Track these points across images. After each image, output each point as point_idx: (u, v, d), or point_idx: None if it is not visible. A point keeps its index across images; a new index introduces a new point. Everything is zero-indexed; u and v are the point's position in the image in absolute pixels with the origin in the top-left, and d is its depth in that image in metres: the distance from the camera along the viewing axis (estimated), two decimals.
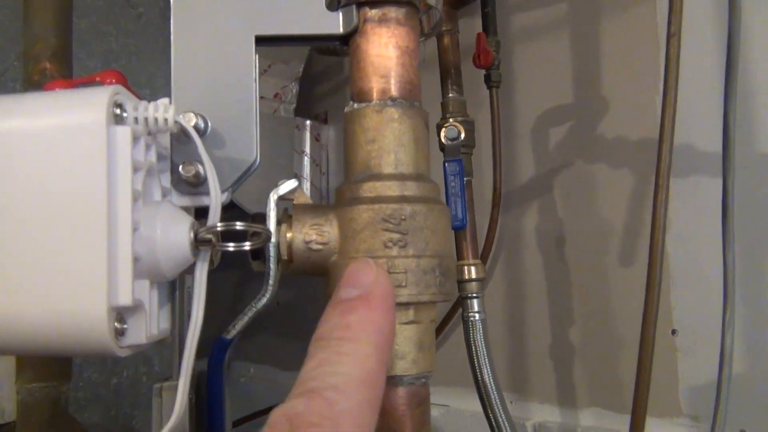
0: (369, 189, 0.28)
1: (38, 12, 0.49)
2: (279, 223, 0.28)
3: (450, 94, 0.81)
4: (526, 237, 0.91)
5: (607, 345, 0.83)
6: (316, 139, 1.26)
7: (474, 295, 0.77)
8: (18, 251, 0.23)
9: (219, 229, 0.26)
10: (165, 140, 0.28)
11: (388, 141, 0.28)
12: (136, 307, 0.24)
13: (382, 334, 0.21)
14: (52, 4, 0.49)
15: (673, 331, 0.76)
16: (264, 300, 0.28)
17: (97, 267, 0.23)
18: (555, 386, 0.87)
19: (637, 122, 0.80)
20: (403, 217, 0.27)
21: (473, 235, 0.79)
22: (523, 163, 0.91)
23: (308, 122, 1.25)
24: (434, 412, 1.00)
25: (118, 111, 0.24)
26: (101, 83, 0.38)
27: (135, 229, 0.24)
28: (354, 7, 0.29)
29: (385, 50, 0.29)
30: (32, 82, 0.47)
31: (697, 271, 0.72)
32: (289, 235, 0.28)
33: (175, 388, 0.25)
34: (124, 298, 0.23)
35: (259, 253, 0.28)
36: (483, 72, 0.85)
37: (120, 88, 0.25)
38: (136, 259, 0.24)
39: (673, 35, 0.32)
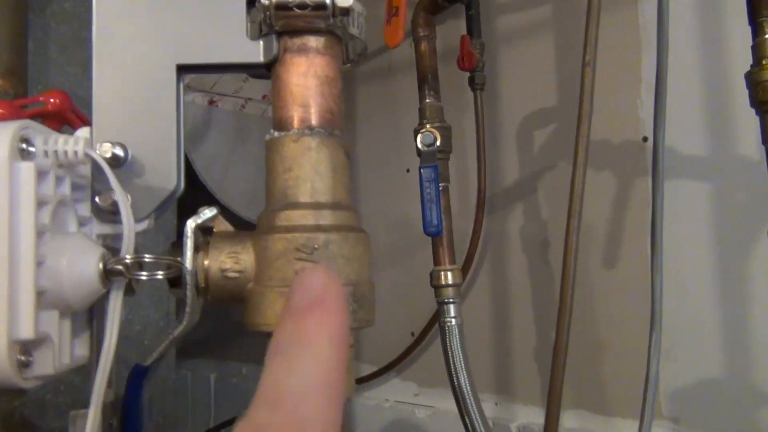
0: (284, 218, 0.28)
1: None
2: (197, 250, 0.29)
3: (427, 100, 0.81)
4: (511, 239, 0.91)
5: (590, 347, 0.84)
6: None
7: (450, 300, 0.77)
8: None
9: (128, 261, 0.26)
10: (85, 170, 0.29)
11: (305, 170, 0.29)
12: (41, 340, 0.25)
13: (338, 337, 0.20)
14: (3, 19, 0.49)
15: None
16: (181, 327, 0.28)
17: None
18: (539, 388, 0.88)
19: (620, 125, 0.80)
20: (315, 246, 0.28)
21: (450, 240, 0.79)
22: (508, 166, 0.92)
23: None
24: (420, 414, 1.01)
25: (24, 146, 0.25)
26: (43, 103, 0.38)
27: (40, 263, 0.25)
28: (274, 36, 0.30)
29: (304, 80, 0.29)
30: None
31: (676, 274, 0.72)
32: (206, 262, 0.29)
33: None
34: (26, 332, 0.23)
35: (177, 281, 0.29)
36: (467, 75, 0.86)
37: (28, 122, 0.25)
38: (41, 292, 0.24)
39: (587, 64, 0.32)
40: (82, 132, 0.28)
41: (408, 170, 1.01)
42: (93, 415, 0.26)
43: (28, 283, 0.24)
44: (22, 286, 0.24)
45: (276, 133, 0.30)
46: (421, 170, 0.78)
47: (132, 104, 0.30)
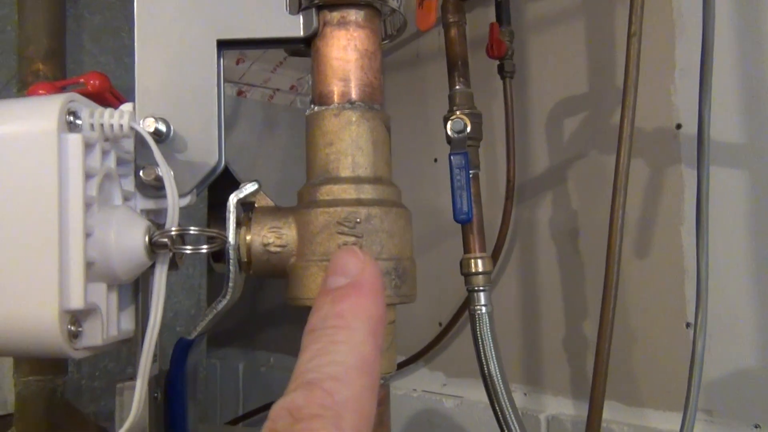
0: (326, 192, 0.28)
1: (30, 13, 0.50)
2: (239, 225, 0.29)
3: (457, 86, 0.80)
4: (540, 229, 0.90)
5: (621, 338, 0.82)
6: None
7: (481, 288, 0.77)
8: None
9: (173, 233, 0.26)
10: (128, 145, 0.29)
11: (346, 144, 0.29)
12: (90, 311, 0.25)
13: (374, 319, 0.20)
14: (43, 5, 0.49)
15: (687, 325, 0.76)
16: (224, 302, 0.29)
17: (49, 272, 0.24)
18: (569, 379, 0.87)
19: (652, 112, 0.79)
20: (357, 220, 0.27)
21: (480, 228, 0.78)
22: (538, 155, 0.91)
23: None
24: (448, 404, 1.00)
25: (71, 119, 0.25)
26: (85, 84, 0.39)
27: (89, 234, 0.25)
28: (314, 10, 0.29)
29: (344, 53, 0.29)
30: (26, 83, 0.48)
31: (711, 262, 0.71)
32: (248, 237, 0.29)
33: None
34: (76, 302, 0.24)
35: (220, 255, 0.29)
36: (496, 62, 0.85)
37: (75, 95, 0.26)
38: (90, 264, 0.25)
39: (633, 35, 0.31)
40: (126, 107, 0.28)
41: (436, 160, 1.01)
42: (140, 387, 0.26)
43: (77, 254, 0.24)
44: (72, 257, 0.24)
45: (316, 108, 0.30)
46: (451, 157, 0.77)
47: (173, 80, 0.30)
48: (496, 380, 0.76)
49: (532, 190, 0.92)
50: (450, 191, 0.77)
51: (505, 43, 0.86)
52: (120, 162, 0.28)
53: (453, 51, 0.82)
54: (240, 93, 1.10)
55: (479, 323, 0.77)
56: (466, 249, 0.76)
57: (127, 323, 0.28)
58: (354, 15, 0.29)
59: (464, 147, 0.77)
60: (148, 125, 0.28)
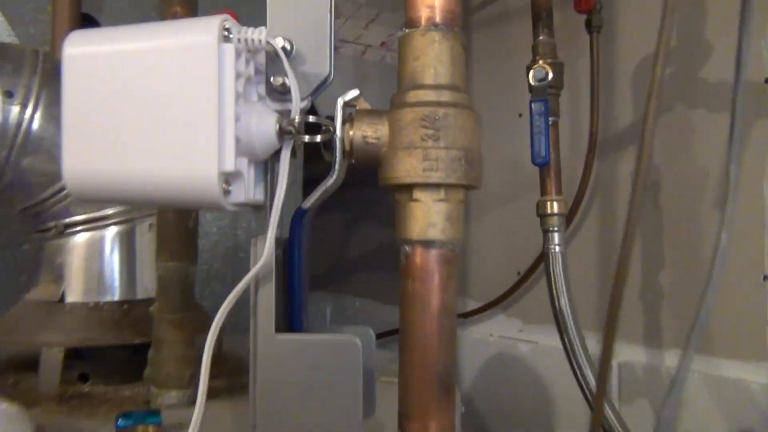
0: (413, 96, 0.36)
1: None
2: (344, 123, 0.37)
3: (540, 37, 0.84)
4: (621, 182, 0.92)
5: (696, 289, 0.85)
6: None
7: (555, 228, 0.82)
8: (158, 134, 0.34)
9: (297, 120, 0.35)
10: (262, 58, 0.37)
11: (430, 58, 0.36)
12: (237, 175, 0.34)
13: None
14: None
15: (765, 277, 0.78)
16: (331, 181, 0.37)
17: (210, 144, 0.33)
18: (642, 327, 0.90)
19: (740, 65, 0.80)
20: (436, 117, 0.35)
21: (557, 172, 0.83)
22: (622, 109, 0.93)
23: None
24: (523, 348, 1.06)
25: (225, 33, 0.34)
26: None
27: (237, 119, 0.34)
28: None
29: None
30: None
31: None
32: (351, 132, 0.37)
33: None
34: (229, 166, 0.33)
35: (328, 145, 0.37)
36: (584, 17, 0.86)
37: (228, 16, 0.34)
38: (237, 141, 0.34)
39: None
40: (262, 29, 0.37)
41: (520, 115, 1.04)
42: (270, 236, 0.35)
43: (230, 132, 0.33)
44: (227, 133, 0.33)
45: (407, 30, 0.37)
46: (532, 104, 0.82)
47: (296, 9, 0.38)
48: (566, 314, 0.82)
49: (616, 144, 0.94)
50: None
51: None
52: (256, 72, 0.37)
53: (538, 3, 0.86)
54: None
55: (552, 261, 0.82)
56: (543, 192, 0.81)
57: (259, 194, 0.37)
58: None
59: (545, 95, 0.82)
60: (278, 42, 0.36)
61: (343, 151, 0.37)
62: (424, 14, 0.37)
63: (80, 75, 0.34)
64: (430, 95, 0.36)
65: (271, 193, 0.37)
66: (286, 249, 0.38)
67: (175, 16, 0.59)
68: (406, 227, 0.37)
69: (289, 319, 0.38)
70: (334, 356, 0.36)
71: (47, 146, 0.65)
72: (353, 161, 0.37)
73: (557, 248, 0.82)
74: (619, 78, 0.95)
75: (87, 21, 1.02)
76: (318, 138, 0.36)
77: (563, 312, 0.82)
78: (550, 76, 0.80)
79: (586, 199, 0.96)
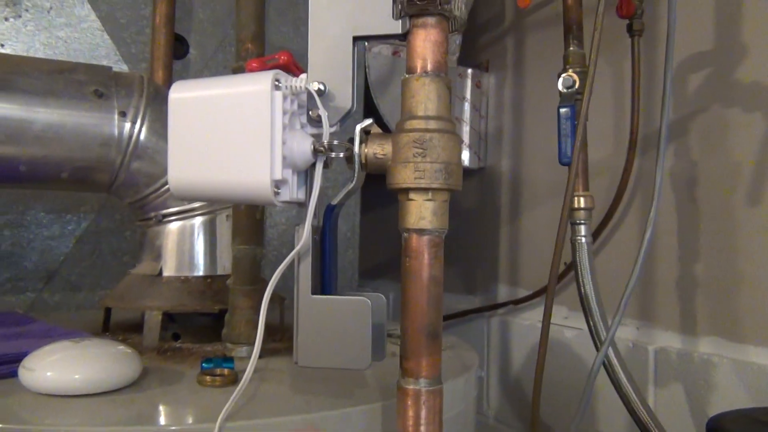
0: (408, 124, 0.50)
1: (243, 6, 0.76)
2: (361, 142, 0.51)
3: (570, 48, 0.94)
4: (662, 178, 0.99)
5: (730, 279, 0.90)
6: (477, 85, 1.43)
7: (581, 221, 0.91)
8: (232, 153, 0.49)
9: (326, 142, 0.49)
10: (303, 97, 0.52)
11: (421, 97, 0.50)
12: (284, 181, 0.49)
13: None
14: (253, 0, 0.75)
15: None
16: (351, 185, 0.52)
17: (265, 161, 0.48)
18: (678, 315, 0.97)
19: None
20: (424, 140, 0.49)
21: (583, 170, 0.92)
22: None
23: (470, 70, 1.41)
24: (569, 334, 1.14)
25: (276, 83, 0.49)
26: (277, 60, 0.63)
27: (284, 143, 0.49)
28: (407, 18, 0.51)
29: (423, 43, 0.50)
30: (240, 57, 0.75)
31: None
32: (365, 150, 0.51)
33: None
34: (277, 175, 0.48)
35: (350, 159, 0.52)
36: (626, 21, 0.93)
37: (279, 72, 0.49)
38: (284, 158, 0.49)
39: None
40: (303, 76, 0.52)
41: None
42: (307, 225, 0.50)
43: (278, 152, 0.48)
44: (276, 153, 0.48)
45: (407, 75, 0.51)
46: (560, 109, 0.92)
47: (328, 61, 0.52)
48: (591, 300, 0.91)
49: (655, 142, 1.01)
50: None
51: (634, 3, 0.97)
52: (299, 106, 0.52)
53: (569, 17, 0.95)
54: (395, 53, 1.31)
55: (579, 251, 0.91)
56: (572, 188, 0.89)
57: (301, 195, 0.52)
58: (429, 20, 0.50)
59: (572, 100, 0.91)
60: (314, 86, 0.51)
61: (360, 164, 0.51)
62: (418, 64, 0.51)
63: (180, 112, 0.50)
64: (420, 124, 0.49)
65: (308, 194, 0.52)
66: (321, 234, 0.53)
67: (247, 51, 0.75)
68: (405, 219, 0.51)
69: (322, 285, 0.53)
70: (351, 312, 0.51)
71: (150, 153, 0.83)
72: (368, 171, 0.52)
73: (583, 239, 0.90)
74: (660, 79, 1.02)
75: (178, 40, 1.21)
76: (341, 154, 0.51)
77: (588, 297, 0.90)
78: (577, 83, 0.91)
79: (627, 194, 1.03)
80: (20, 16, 1.09)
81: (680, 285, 0.97)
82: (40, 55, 1.09)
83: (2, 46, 1.07)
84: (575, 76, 0.93)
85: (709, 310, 0.94)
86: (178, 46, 1.19)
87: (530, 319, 1.26)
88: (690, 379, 0.93)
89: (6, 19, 1.08)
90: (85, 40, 1.12)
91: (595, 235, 1.06)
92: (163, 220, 0.84)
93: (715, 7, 0.94)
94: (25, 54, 1.07)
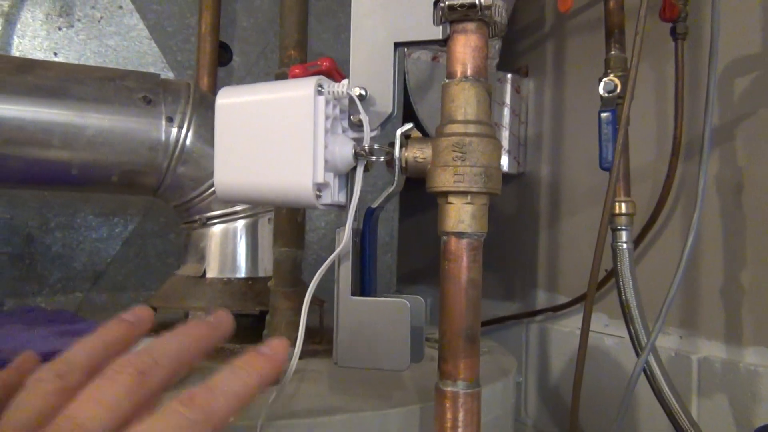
0: (448, 129, 0.50)
1: (287, 15, 0.77)
2: (401, 146, 0.52)
3: (612, 52, 0.93)
4: (706, 183, 0.98)
5: None
6: (516, 90, 1.44)
7: (623, 227, 0.90)
8: (276, 157, 0.50)
9: (366, 147, 0.50)
10: (345, 102, 0.53)
11: (461, 101, 0.50)
12: (326, 184, 0.50)
13: (262, 376, 0.33)
14: (297, 9, 0.77)
15: None
16: (391, 189, 0.53)
17: (307, 164, 0.49)
18: (723, 325, 0.96)
19: None
20: (464, 144, 0.49)
21: (625, 175, 0.92)
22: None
23: (509, 75, 1.42)
24: (609, 342, 1.13)
25: (319, 89, 0.50)
26: (320, 66, 0.64)
27: (326, 147, 0.50)
28: (448, 23, 0.51)
29: (463, 48, 0.51)
30: (283, 63, 0.76)
31: None
32: (406, 153, 0.52)
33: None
34: (319, 178, 0.49)
35: (390, 163, 0.52)
36: (670, 25, 0.93)
37: (321, 78, 0.50)
38: (326, 161, 0.50)
39: None
40: (344, 82, 0.53)
41: None
42: (348, 227, 0.51)
43: (320, 156, 0.49)
44: (318, 157, 0.49)
45: (447, 80, 0.52)
46: (601, 113, 0.91)
47: (370, 66, 0.53)
48: (632, 307, 0.90)
49: (700, 147, 1.00)
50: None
51: (678, 6, 0.96)
52: (341, 111, 0.53)
53: (611, 21, 0.95)
54: (434, 58, 1.32)
55: (620, 257, 0.91)
56: (613, 194, 0.89)
57: (342, 198, 0.53)
58: (470, 26, 0.50)
59: (613, 105, 0.91)
60: (356, 91, 0.52)
61: (401, 168, 0.52)
62: (458, 69, 0.51)
63: (226, 117, 0.52)
64: (459, 128, 0.50)
65: (349, 197, 0.53)
66: (361, 237, 0.54)
67: (290, 58, 0.77)
68: (444, 222, 0.51)
69: (362, 287, 0.54)
70: (390, 313, 0.51)
71: (196, 158, 0.85)
72: (408, 175, 0.53)
73: (624, 245, 0.90)
74: (704, 83, 1.01)
75: (222, 48, 1.24)
76: (382, 158, 0.52)
77: (629, 304, 0.90)
78: (618, 88, 0.90)
79: (670, 199, 1.02)
80: (72, 26, 1.13)
81: (725, 293, 0.96)
82: (91, 62, 1.13)
83: (56, 54, 1.12)
84: (617, 80, 0.93)
85: (755, 320, 0.92)
86: (222, 54, 1.22)
87: (569, 326, 1.26)
88: (735, 390, 0.92)
89: (59, 29, 1.12)
90: (134, 48, 1.16)
91: (637, 241, 1.05)
92: (207, 222, 0.86)
93: (761, 10, 0.92)
94: (76, 62, 1.11)
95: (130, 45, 1.16)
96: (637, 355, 0.85)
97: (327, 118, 0.50)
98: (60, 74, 0.80)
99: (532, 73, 1.43)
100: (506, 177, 1.41)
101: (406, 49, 1.25)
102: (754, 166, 0.92)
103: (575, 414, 0.86)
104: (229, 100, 0.52)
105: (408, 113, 1.27)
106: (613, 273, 0.90)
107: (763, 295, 0.91)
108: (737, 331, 0.94)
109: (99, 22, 1.15)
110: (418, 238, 1.54)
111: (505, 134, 1.41)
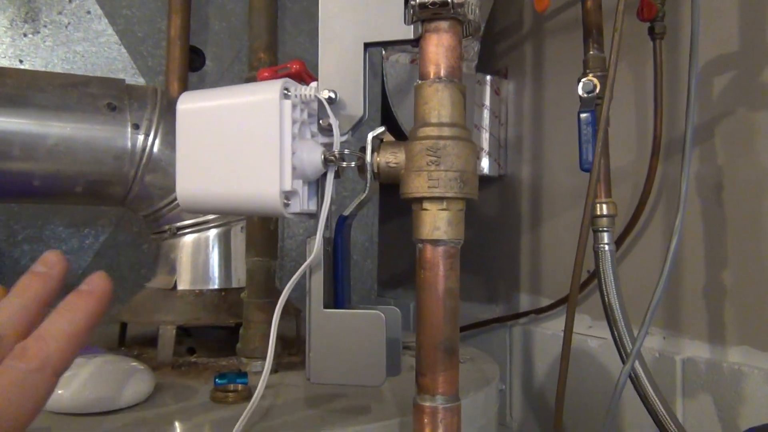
0: (421, 132, 0.48)
1: (256, 18, 0.75)
2: (373, 151, 0.50)
3: (590, 52, 0.92)
4: (689, 183, 0.97)
5: (759, 288, 0.88)
6: (496, 92, 1.42)
7: (604, 229, 0.89)
8: (240, 164, 0.48)
9: (336, 153, 0.48)
10: (314, 105, 0.51)
11: (435, 103, 0.48)
12: (294, 192, 0.48)
13: (88, 312, 0.33)
14: (266, 11, 0.74)
15: None
16: (363, 195, 0.50)
17: (274, 171, 0.47)
18: (706, 324, 0.95)
19: None
20: (438, 148, 0.47)
21: (606, 176, 0.90)
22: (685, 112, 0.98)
23: (489, 77, 1.40)
24: (593, 344, 1.12)
25: (285, 92, 0.48)
26: (289, 68, 0.62)
27: (293, 153, 0.47)
28: (419, 23, 0.49)
29: (436, 48, 0.49)
30: (252, 67, 0.74)
31: None
32: (378, 158, 0.50)
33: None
34: (287, 186, 0.47)
35: (362, 169, 0.50)
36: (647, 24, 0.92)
37: (288, 80, 0.48)
38: (293, 168, 0.47)
39: None
40: (313, 84, 0.50)
41: None
42: (318, 236, 0.48)
43: (287, 162, 0.47)
44: (285, 163, 0.46)
45: (419, 81, 0.50)
46: (580, 114, 0.90)
47: (339, 68, 0.51)
48: (615, 310, 0.88)
49: (680, 146, 0.99)
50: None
51: (656, 6, 0.95)
52: (309, 115, 0.51)
53: (588, 21, 0.93)
54: (413, 61, 1.30)
55: (602, 259, 0.89)
56: (594, 195, 0.88)
57: (312, 205, 0.51)
58: (442, 25, 0.48)
59: (592, 106, 0.89)
60: (324, 94, 0.49)
61: (373, 173, 0.50)
62: (431, 70, 0.49)
63: (188, 123, 0.49)
64: (434, 131, 0.48)
65: (320, 205, 0.50)
66: (333, 246, 0.52)
67: (260, 61, 0.74)
68: (419, 229, 0.49)
69: (335, 298, 0.52)
70: (364, 326, 0.49)
71: (164, 166, 0.82)
72: (380, 181, 0.50)
73: (606, 247, 0.88)
74: (684, 82, 1.00)
75: (195, 52, 1.21)
76: (353, 164, 0.49)
77: (612, 306, 0.88)
78: (598, 88, 0.89)
79: (651, 200, 1.01)
80: (38, 32, 1.10)
81: (708, 293, 0.95)
82: (58, 69, 1.09)
83: (21, 62, 1.08)
84: (596, 80, 0.91)
85: (738, 319, 0.92)
86: (195, 58, 1.19)
87: (553, 328, 1.25)
88: (719, 390, 0.91)
89: (25, 35, 1.09)
90: (103, 54, 1.13)
91: (618, 242, 1.04)
92: (177, 233, 0.83)
93: (739, 9, 0.92)
94: (43, 69, 1.08)
95: (98, 51, 1.13)
96: (621, 357, 0.84)
97: (294, 122, 0.48)
98: (19, 81, 0.77)
99: (512, 75, 1.42)
100: (487, 179, 1.39)
101: (383, 51, 1.23)
102: (733, 165, 0.92)
103: (560, 416, 0.84)
104: (190, 106, 0.49)
105: (387, 117, 1.25)
106: (596, 274, 0.89)
107: (746, 294, 0.90)
108: (720, 330, 0.93)
109: (66, 27, 1.11)
110: (398, 242, 1.52)
111: (485, 136, 1.40)
